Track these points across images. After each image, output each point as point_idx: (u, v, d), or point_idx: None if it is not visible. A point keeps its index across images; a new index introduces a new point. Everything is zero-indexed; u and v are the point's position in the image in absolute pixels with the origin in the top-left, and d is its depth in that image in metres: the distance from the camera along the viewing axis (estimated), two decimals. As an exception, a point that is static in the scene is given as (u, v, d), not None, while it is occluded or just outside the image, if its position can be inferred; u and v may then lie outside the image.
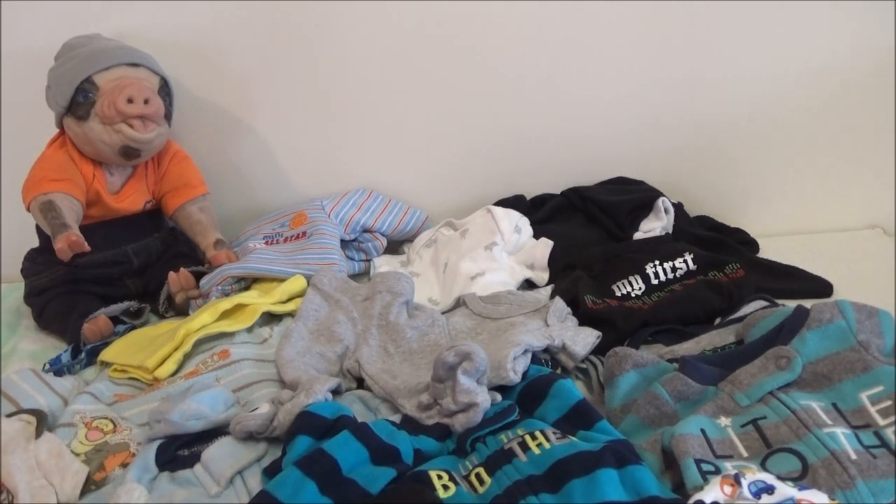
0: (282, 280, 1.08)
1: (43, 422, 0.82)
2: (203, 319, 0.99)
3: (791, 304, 0.84)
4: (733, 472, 0.62)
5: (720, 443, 0.71)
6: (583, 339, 0.90)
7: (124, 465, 0.79)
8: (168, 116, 1.12)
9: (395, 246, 1.29)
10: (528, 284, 1.13)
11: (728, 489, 0.61)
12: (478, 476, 0.70)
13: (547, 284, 1.11)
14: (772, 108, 1.21)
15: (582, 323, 0.97)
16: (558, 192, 1.27)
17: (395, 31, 1.18)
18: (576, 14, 1.16)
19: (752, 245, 1.18)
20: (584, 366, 0.90)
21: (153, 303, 1.14)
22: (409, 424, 0.79)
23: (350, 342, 0.96)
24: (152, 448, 0.77)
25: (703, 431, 0.71)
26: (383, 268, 1.19)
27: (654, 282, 1.03)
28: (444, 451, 0.76)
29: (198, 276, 1.12)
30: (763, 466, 0.68)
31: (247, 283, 1.11)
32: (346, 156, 1.29)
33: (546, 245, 1.14)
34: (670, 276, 1.03)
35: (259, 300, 1.04)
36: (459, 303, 1.05)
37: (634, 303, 1.00)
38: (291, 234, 1.20)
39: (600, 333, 0.92)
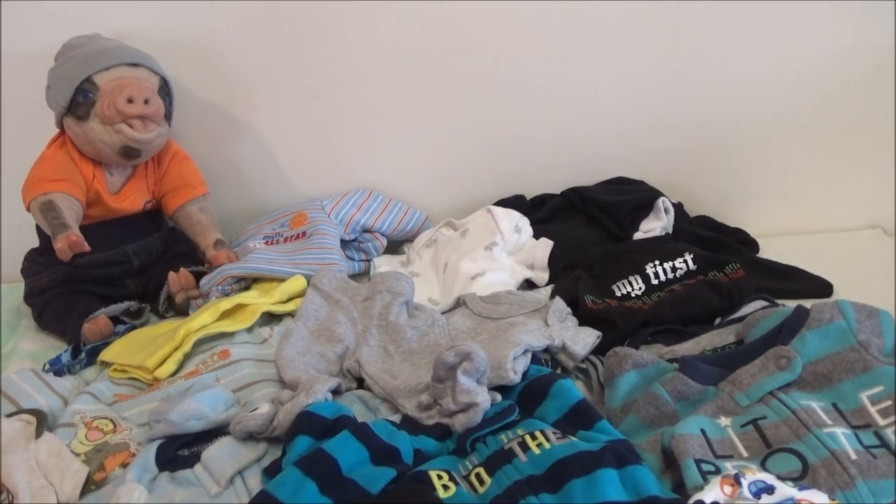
0: (282, 280, 1.08)
1: (43, 422, 0.82)
2: (203, 319, 0.99)
3: (791, 304, 0.84)
4: (733, 472, 0.62)
5: (720, 443, 0.71)
6: (583, 339, 0.90)
7: (124, 465, 0.79)
8: (168, 116, 1.12)
9: (395, 246, 1.29)
10: (528, 284, 1.13)
11: (728, 489, 0.61)
12: (478, 476, 0.70)
13: (547, 284, 1.11)
14: (772, 108, 1.21)
15: (582, 323, 0.97)
16: (558, 192, 1.27)
17: (395, 32, 1.18)
18: (576, 14, 1.16)
19: (752, 245, 1.18)
20: (584, 366, 0.90)
21: (153, 303, 1.14)
22: (409, 424, 0.79)
23: (350, 342, 0.96)
24: (152, 448, 0.77)
25: (703, 431, 0.71)
26: (383, 268, 1.19)
27: (654, 282, 1.03)
28: (444, 451, 0.76)
29: (198, 276, 1.12)
30: (763, 466, 0.68)
31: (247, 283, 1.11)
32: (346, 156, 1.29)
33: (546, 245, 1.14)
34: (670, 276, 1.03)
35: (259, 300, 1.04)
36: (459, 303, 1.05)
37: (634, 303, 1.00)
38: (291, 234, 1.20)
39: (600, 333, 0.92)
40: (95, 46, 1.08)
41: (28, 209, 1.06)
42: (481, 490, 0.69)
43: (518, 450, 0.70)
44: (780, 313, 0.82)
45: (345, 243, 1.21)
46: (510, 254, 1.15)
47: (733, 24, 1.15)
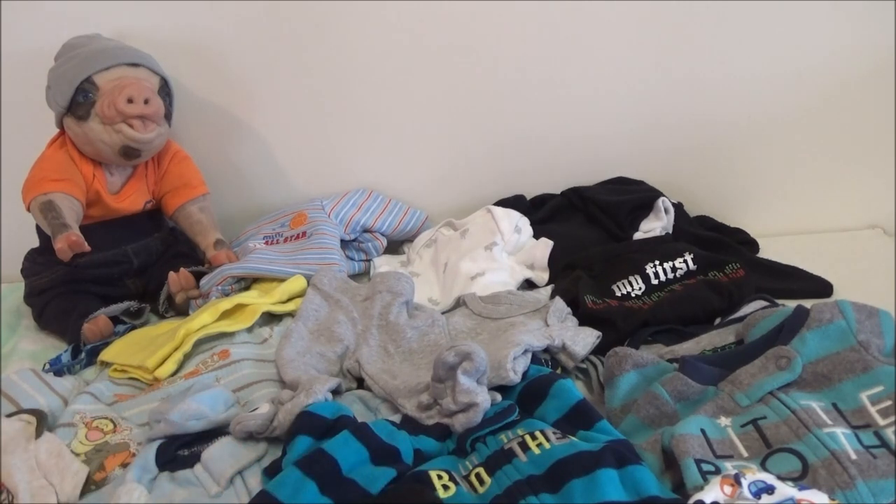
0: (282, 280, 1.08)
1: (43, 422, 0.82)
2: (203, 319, 0.99)
3: (791, 304, 0.84)
4: (733, 472, 0.62)
5: (720, 443, 0.71)
6: (583, 339, 0.90)
7: (124, 465, 0.79)
8: (168, 116, 1.12)
9: (395, 246, 1.29)
10: (528, 284, 1.13)
11: (728, 489, 0.61)
12: (478, 476, 0.70)
13: (547, 284, 1.11)
14: (772, 108, 1.21)
15: (582, 323, 0.97)
16: (558, 192, 1.27)
17: (395, 32, 1.18)
18: (576, 14, 1.16)
19: (752, 245, 1.18)
20: (584, 366, 0.90)
21: (153, 303, 1.14)
22: (409, 424, 0.79)
23: (350, 342, 0.96)
24: (152, 448, 0.77)
25: (703, 431, 0.71)
26: (383, 268, 1.19)
27: (654, 282, 1.03)
28: (444, 451, 0.76)
29: (198, 276, 1.12)
30: (763, 466, 0.68)
31: (247, 283, 1.11)
32: (346, 156, 1.29)
33: (546, 245, 1.14)
34: (670, 276, 1.03)
35: (259, 300, 1.04)
36: (459, 303, 1.05)
37: (634, 303, 1.00)
38: (291, 234, 1.20)
39: (600, 333, 0.92)
40: (95, 46, 1.08)
41: (28, 209, 1.06)
42: (481, 490, 0.69)
43: (518, 450, 0.70)
44: (780, 313, 0.82)
45: (345, 243, 1.21)
46: (510, 254, 1.15)
47: (733, 24, 1.15)
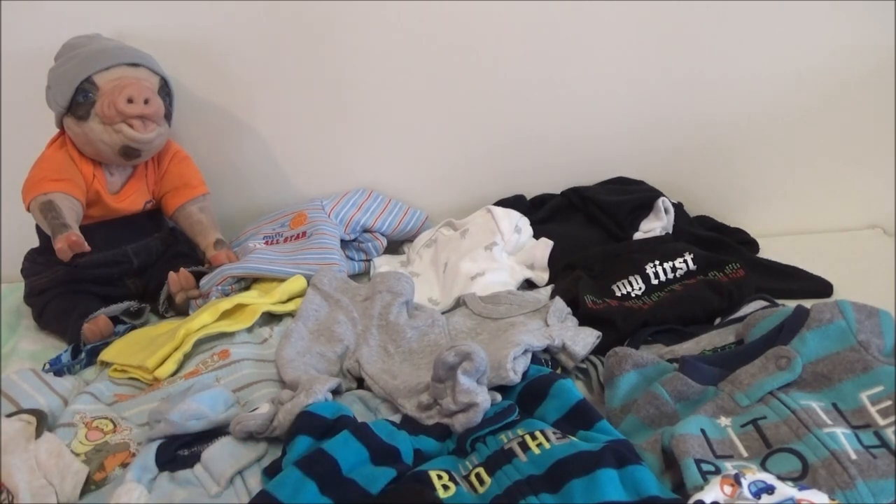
0: (282, 280, 1.08)
1: (43, 422, 0.82)
2: (203, 319, 0.99)
3: (791, 304, 0.84)
4: (733, 472, 0.62)
5: (720, 443, 0.71)
6: (583, 339, 0.90)
7: (124, 465, 0.79)
8: (168, 116, 1.12)
9: (395, 246, 1.29)
10: (528, 284, 1.13)
11: (728, 489, 0.61)
12: (478, 476, 0.70)
13: (547, 284, 1.11)
14: (772, 108, 1.21)
15: (582, 323, 0.97)
16: (558, 192, 1.27)
17: (394, 32, 1.18)
18: (576, 14, 1.16)
19: (752, 245, 1.18)
20: (584, 366, 0.90)
21: (153, 303, 1.14)
22: (409, 424, 0.79)
23: (350, 342, 0.96)
24: (152, 448, 0.77)
25: (703, 431, 0.71)
26: (383, 268, 1.19)
27: (654, 282, 1.03)
28: (444, 451, 0.76)
29: (198, 276, 1.12)
30: (763, 466, 0.68)
31: (247, 283, 1.11)
32: (346, 156, 1.29)
33: (546, 245, 1.14)
34: (670, 276, 1.03)
35: (259, 300, 1.04)
36: (459, 303, 1.05)
37: (634, 303, 1.00)
38: (291, 234, 1.20)
39: (600, 333, 0.92)
40: (95, 46, 1.08)
41: (28, 209, 1.06)
42: (481, 490, 0.69)
43: (518, 450, 0.70)
44: (780, 313, 0.82)
45: (345, 243, 1.21)
46: (510, 254, 1.15)
47: (733, 24, 1.15)
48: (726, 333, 0.89)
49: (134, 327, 1.10)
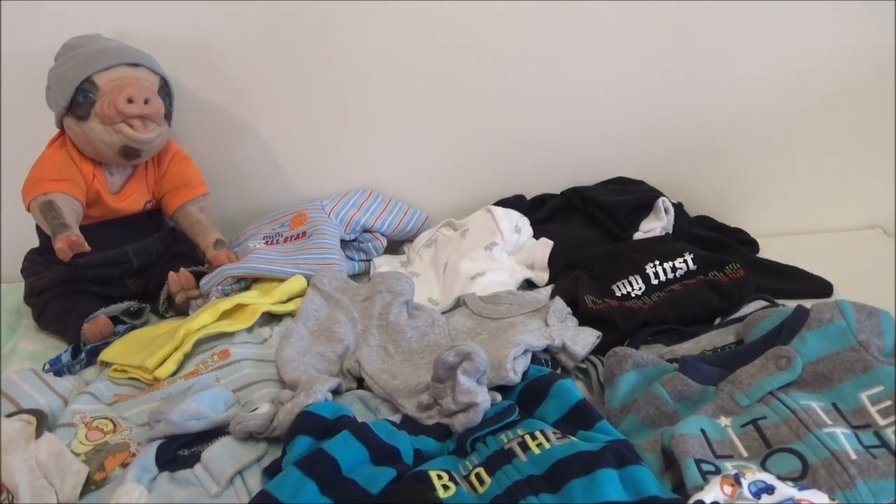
0: (282, 280, 1.08)
1: (43, 422, 0.82)
2: (203, 319, 0.99)
3: (791, 304, 0.84)
4: (733, 472, 0.62)
5: (720, 443, 0.71)
6: (583, 339, 0.90)
7: (124, 465, 0.79)
8: (168, 116, 1.12)
9: (395, 246, 1.29)
10: (528, 284, 1.13)
11: (728, 489, 0.61)
12: (478, 476, 0.70)
13: (547, 284, 1.11)
14: (772, 108, 1.21)
15: (582, 323, 0.97)
16: (558, 192, 1.27)
17: (394, 32, 1.18)
18: (576, 14, 1.16)
19: (752, 245, 1.18)
20: (584, 366, 0.90)
21: (153, 303, 1.14)
22: (409, 424, 0.79)
23: (350, 342, 0.96)
24: (152, 448, 0.77)
25: (703, 431, 0.71)
26: (383, 268, 1.19)
27: (654, 282, 1.03)
28: (444, 451, 0.76)
29: (198, 276, 1.12)
30: (763, 466, 0.68)
31: (247, 283, 1.11)
32: (346, 156, 1.29)
33: (546, 245, 1.14)
34: (670, 276, 1.03)
35: (259, 300, 1.04)
36: (459, 303, 1.05)
37: (634, 303, 1.00)
38: (291, 234, 1.20)
39: (600, 333, 0.92)
40: (95, 46, 1.08)
41: (28, 209, 1.06)
42: (481, 490, 0.69)
43: (518, 450, 0.70)
44: (780, 313, 0.82)
45: (345, 243, 1.21)
46: (510, 254, 1.15)
47: (733, 24, 1.15)
48: (726, 333, 0.89)
49: (134, 327, 1.10)
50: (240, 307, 1.03)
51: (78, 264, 1.08)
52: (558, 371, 0.89)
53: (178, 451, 0.78)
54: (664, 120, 1.23)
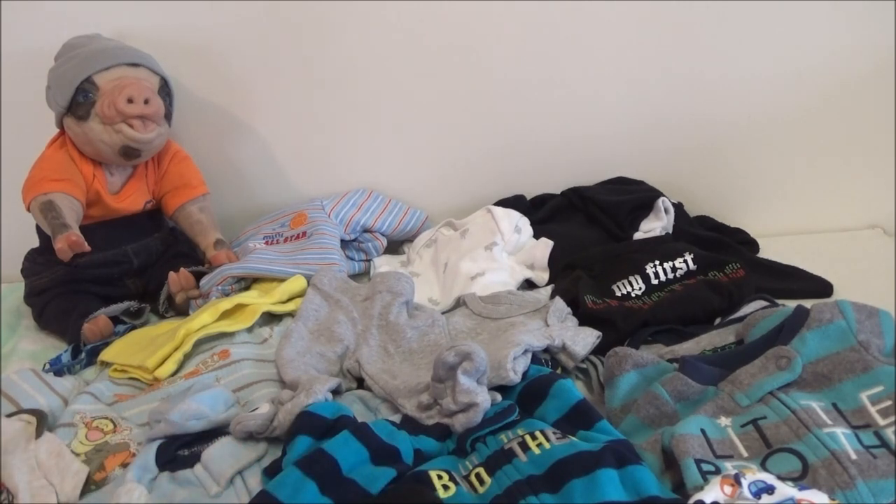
0: (282, 280, 1.08)
1: (43, 422, 0.82)
2: (203, 319, 0.99)
3: (791, 304, 0.84)
4: (733, 472, 0.62)
5: (720, 443, 0.71)
6: (583, 339, 0.90)
7: (124, 465, 0.79)
8: (168, 116, 1.12)
9: (395, 246, 1.29)
10: (528, 284, 1.13)
11: (728, 489, 0.61)
12: (478, 476, 0.70)
13: (547, 284, 1.11)
14: (772, 108, 1.21)
15: (582, 323, 0.97)
16: (558, 192, 1.27)
17: (394, 32, 1.18)
18: (576, 14, 1.16)
19: (752, 245, 1.18)
20: (584, 366, 0.90)
21: (153, 303, 1.14)
22: (409, 424, 0.79)
23: (350, 342, 0.96)
24: (152, 448, 0.77)
25: (703, 431, 0.71)
26: (383, 268, 1.19)
27: (654, 282, 1.03)
28: (444, 451, 0.76)
29: (198, 276, 1.12)
30: (763, 466, 0.68)
31: (247, 283, 1.11)
32: (346, 156, 1.29)
33: (546, 245, 1.14)
34: (670, 276, 1.03)
35: (259, 300, 1.04)
36: (459, 303, 1.05)
37: (634, 303, 1.00)
38: (291, 234, 1.20)
39: (600, 333, 0.92)
40: (95, 46, 1.08)
41: (28, 209, 1.06)
42: (481, 490, 0.69)
43: (518, 450, 0.70)
44: (780, 313, 0.82)
45: (345, 243, 1.21)
46: (510, 254, 1.15)
47: (733, 24, 1.15)
48: (726, 333, 0.89)
49: (134, 327, 1.10)
50: (240, 307, 1.03)
51: (78, 264, 1.08)
52: (558, 371, 0.89)
53: (178, 451, 0.78)
54: (664, 120, 1.23)
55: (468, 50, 1.20)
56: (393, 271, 1.09)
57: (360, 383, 0.91)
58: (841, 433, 0.68)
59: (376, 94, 1.23)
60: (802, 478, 0.66)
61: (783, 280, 1.06)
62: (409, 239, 1.28)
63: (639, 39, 1.18)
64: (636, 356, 0.82)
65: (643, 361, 0.82)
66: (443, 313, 1.04)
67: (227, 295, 1.07)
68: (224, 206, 1.26)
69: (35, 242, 1.15)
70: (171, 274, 1.10)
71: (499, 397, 0.79)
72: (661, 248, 1.07)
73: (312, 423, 0.75)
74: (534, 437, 0.71)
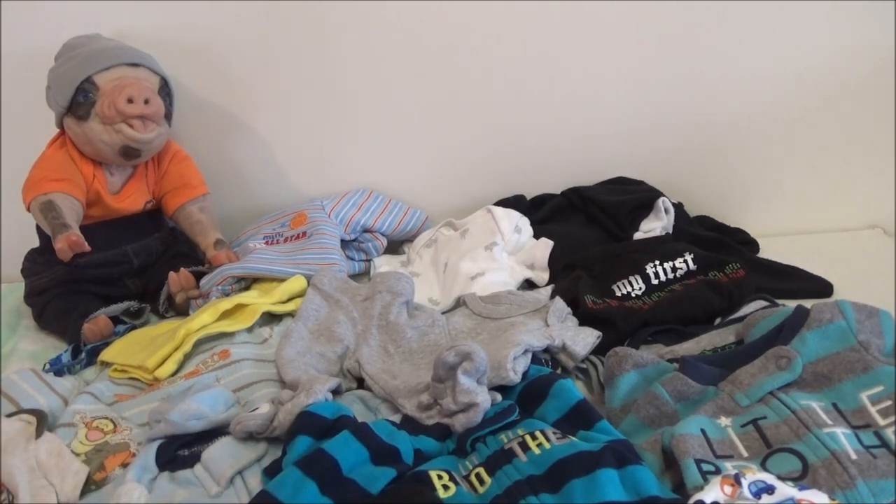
0: (282, 280, 1.08)
1: (43, 422, 0.82)
2: (203, 319, 0.99)
3: (791, 304, 0.84)
4: (733, 472, 0.62)
5: (720, 443, 0.71)
6: (583, 339, 0.90)
7: (124, 465, 0.79)
8: (168, 116, 1.12)
9: (396, 246, 1.29)
10: (529, 284, 1.13)
11: (728, 489, 0.61)
12: (478, 476, 0.70)
13: (547, 284, 1.11)
14: (771, 108, 1.21)
15: (582, 323, 0.97)
16: (558, 192, 1.27)
17: (394, 32, 1.18)
18: (576, 14, 1.16)
19: (752, 245, 1.18)
20: (584, 366, 0.90)
21: (153, 303, 1.14)
22: (409, 424, 0.79)
23: (350, 342, 0.96)
24: (152, 448, 0.77)
25: (703, 431, 0.71)
26: (383, 268, 1.19)
27: (655, 282, 1.03)
28: (444, 451, 0.76)
29: (198, 276, 1.12)
30: (763, 466, 0.68)
31: (247, 283, 1.11)
32: (346, 156, 1.29)
33: (546, 245, 1.14)
34: (670, 276, 1.03)
35: (259, 300, 1.04)
36: (459, 303, 1.05)
37: (634, 303, 1.00)
38: (291, 234, 1.20)
39: (600, 333, 0.92)
40: (95, 46, 1.08)
41: (28, 209, 1.06)
42: (481, 490, 0.69)
43: (518, 450, 0.70)
44: (780, 313, 0.82)
45: (345, 243, 1.21)
46: (510, 254, 1.15)
47: (733, 24, 1.15)
48: (726, 333, 0.89)
49: (134, 327, 1.10)
50: (240, 307, 1.03)
51: (78, 264, 1.08)
52: (558, 371, 0.89)
53: (178, 451, 0.78)
54: (664, 120, 1.23)
55: (468, 50, 1.20)
56: (393, 271, 1.09)
57: (360, 383, 0.91)
58: (841, 433, 0.68)
59: (376, 94, 1.23)
60: (802, 478, 0.66)
61: (783, 280, 1.06)
62: (409, 239, 1.28)
63: (639, 39, 1.18)
64: (636, 356, 0.82)
65: (643, 361, 0.82)
66: (443, 313, 1.04)
67: (227, 295, 1.07)
68: (224, 206, 1.26)
69: (35, 242, 1.15)
70: (171, 274, 1.10)
71: (499, 397, 0.79)
72: (661, 248, 1.07)
73: (312, 423, 0.75)
74: (534, 437, 0.71)
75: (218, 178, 1.25)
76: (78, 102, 1.05)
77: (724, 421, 0.74)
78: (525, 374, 0.82)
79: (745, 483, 0.61)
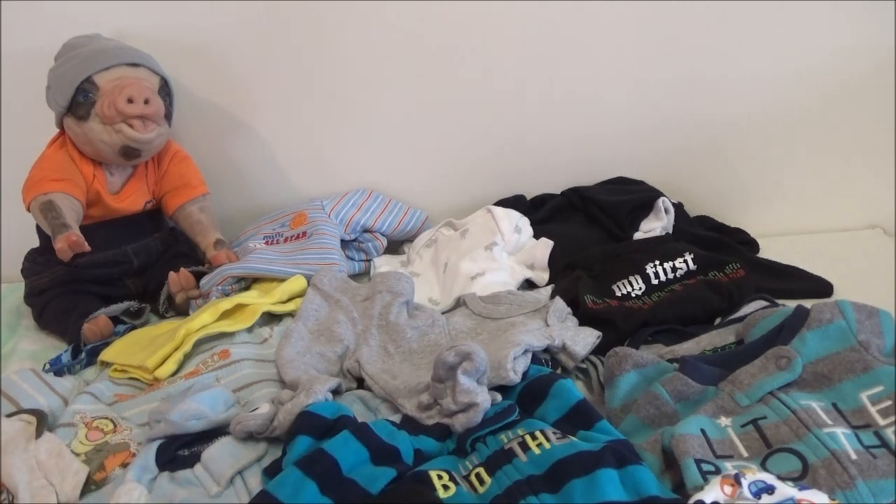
0: (282, 280, 1.08)
1: (43, 422, 0.82)
2: (203, 319, 0.99)
3: (791, 304, 0.84)
4: (733, 472, 0.62)
5: (720, 443, 0.71)
6: (583, 339, 0.90)
7: (124, 465, 0.79)
8: (168, 116, 1.12)
9: (396, 246, 1.29)
10: (529, 284, 1.13)
11: (728, 489, 0.61)
12: (478, 476, 0.70)
13: (547, 284, 1.11)
14: (771, 108, 1.21)
15: (582, 323, 0.97)
16: (558, 192, 1.27)
17: (394, 32, 1.18)
18: (576, 14, 1.16)
19: (752, 245, 1.18)
20: (584, 366, 0.90)
21: (153, 303, 1.14)
22: (409, 424, 0.79)
23: (350, 342, 0.96)
24: (152, 448, 0.77)
25: (703, 431, 0.71)
26: (383, 268, 1.19)
27: (655, 282, 1.03)
28: (444, 451, 0.76)
29: (198, 276, 1.12)
30: (763, 466, 0.68)
31: (247, 283, 1.11)
32: (346, 156, 1.29)
33: (546, 245, 1.14)
34: (670, 276, 1.03)
35: (259, 300, 1.04)
36: (459, 303, 1.05)
37: (634, 303, 1.00)
38: (291, 234, 1.20)
39: (600, 333, 0.92)
40: (95, 46, 1.08)
41: (28, 209, 1.06)
42: (481, 490, 0.69)
43: (518, 450, 0.70)
44: (780, 313, 0.82)
45: (345, 243, 1.21)
46: (510, 254, 1.15)
47: (733, 24, 1.15)
48: (726, 333, 0.89)
49: (134, 327, 1.10)
50: (240, 307, 1.03)
51: (78, 264, 1.08)
52: (558, 371, 0.89)
53: (178, 451, 0.78)
54: (664, 120, 1.23)
55: (468, 50, 1.20)
56: (393, 271, 1.09)
57: (360, 383, 0.91)
58: (841, 433, 0.68)
59: (376, 94, 1.23)
60: (802, 478, 0.66)
61: (783, 280, 1.06)
62: (409, 239, 1.28)
63: (639, 40, 1.18)
64: (636, 356, 0.82)
65: (643, 361, 0.82)
66: (443, 313, 1.04)
67: (227, 295, 1.07)
68: (224, 206, 1.26)
69: (35, 242, 1.15)
70: (171, 274, 1.10)
71: (499, 397, 0.79)
72: (661, 248, 1.07)
73: (312, 423, 0.75)
74: (534, 437, 0.71)
75: (218, 178, 1.25)
76: (78, 102, 1.05)
77: (724, 421, 0.74)
78: (525, 374, 0.82)
79: (745, 483, 0.61)
